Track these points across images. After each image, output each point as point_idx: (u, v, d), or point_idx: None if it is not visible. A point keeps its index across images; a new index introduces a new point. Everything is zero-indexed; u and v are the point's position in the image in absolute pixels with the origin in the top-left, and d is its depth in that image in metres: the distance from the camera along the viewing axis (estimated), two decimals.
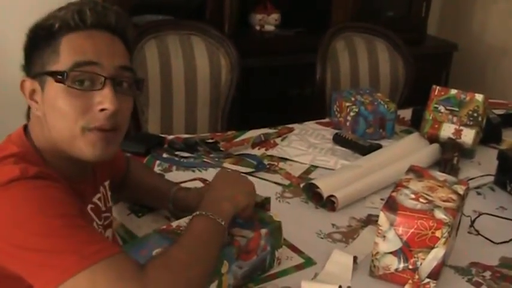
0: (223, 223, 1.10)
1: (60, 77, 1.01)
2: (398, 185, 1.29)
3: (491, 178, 1.74)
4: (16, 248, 0.93)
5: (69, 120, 1.02)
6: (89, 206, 1.15)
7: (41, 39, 1.04)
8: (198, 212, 1.11)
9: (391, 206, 1.21)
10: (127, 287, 0.92)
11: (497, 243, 1.43)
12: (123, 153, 1.47)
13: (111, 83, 1.03)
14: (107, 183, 1.28)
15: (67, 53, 1.02)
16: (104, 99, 1.02)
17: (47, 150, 1.07)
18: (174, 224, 1.18)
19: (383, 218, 1.20)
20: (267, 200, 1.29)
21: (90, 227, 1.03)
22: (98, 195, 1.21)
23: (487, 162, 1.84)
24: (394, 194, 1.25)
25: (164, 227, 1.17)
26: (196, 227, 1.09)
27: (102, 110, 1.02)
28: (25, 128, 1.10)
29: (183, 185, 1.48)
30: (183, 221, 1.19)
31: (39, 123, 1.06)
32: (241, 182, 1.25)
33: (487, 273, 1.31)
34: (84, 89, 1.02)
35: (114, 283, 0.92)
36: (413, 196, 1.24)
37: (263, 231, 1.20)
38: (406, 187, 1.27)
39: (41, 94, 1.05)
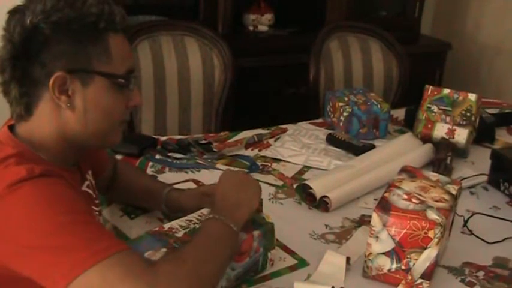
0: (235, 228, 1.11)
1: (121, 80, 1.07)
2: (391, 186, 1.29)
3: (485, 177, 1.74)
4: (27, 249, 0.93)
5: (113, 115, 1.09)
6: None
7: (80, 35, 1.02)
8: (211, 215, 1.12)
9: (384, 206, 1.21)
10: (137, 282, 0.92)
11: (491, 243, 1.43)
12: (105, 151, 1.46)
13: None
14: (90, 172, 1.27)
15: (119, 57, 1.07)
16: (136, 97, 1.13)
17: (49, 146, 1.06)
18: (167, 226, 1.18)
19: (376, 219, 1.20)
20: (259, 202, 1.28)
21: (97, 222, 1.04)
22: (86, 182, 1.21)
23: (480, 161, 1.84)
24: (386, 194, 1.25)
25: (156, 228, 1.17)
26: (209, 229, 1.10)
27: (134, 105, 1.13)
28: (10, 128, 1.09)
29: (176, 186, 1.48)
30: (176, 223, 1.18)
31: (56, 117, 1.05)
32: (250, 183, 1.25)
33: (481, 273, 1.31)
34: (129, 90, 1.10)
35: (124, 278, 0.92)
36: (405, 196, 1.24)
37: (255, 232, 1.19)
38: (399, 187, 1.27)
39: (81, 89, 1.03)
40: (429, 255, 1.18)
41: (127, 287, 0.92)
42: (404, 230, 1.18)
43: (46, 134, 1.06)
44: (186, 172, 1.70)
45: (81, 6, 1.02)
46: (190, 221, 1.21)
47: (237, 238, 1.13)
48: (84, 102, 1.05)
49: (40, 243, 0.93)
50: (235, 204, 1.17)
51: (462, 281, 1.28)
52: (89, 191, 1.21)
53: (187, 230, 1.17)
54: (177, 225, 1.17)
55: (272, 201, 1.57)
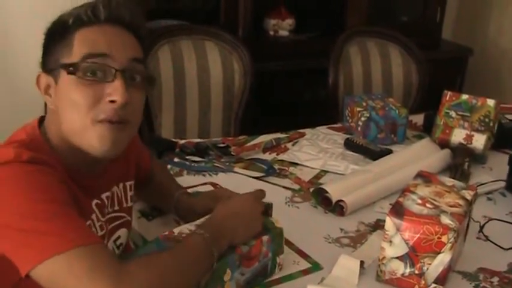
0: (215, 253, 1.08)
1: (72, 68, 1.03)
2: (405, 190, 1.29)
3: (503, 183, 1.73)
4: (1, 227, 0.95)
5: (80, 111, 1.03)
6: (94, 201, 1.15)
7: (56, 35, 1.07)
8: (199, 231, 1.10)
9: (398, 211, 1.21)
10: (102, 277, 0.92)
11: (507, 249, 1.42)
12: (149, 152, 1.48)
13: (122, 75, 1.04)
14: (128, 184, 1.29)
15: (80, 45, 1.05)
16: (114, 91, 1.03)
17: (57, 144, 1.09)
18: (176, 230, 1.16)
19: (389, 223, 1.21)
20: (269, 206, 1.28)
21: (75, 215, 1.00)
22: (107, 193, 1.20)
23: (498, 167, 1.83)
24: (401, 199, 1.25)
25: (166, 233, 1.15)
26: (192, 243, 1.07)
27: (112, 101, 1.03)
28: (41, 118, 1.13)
29: (193, 189, 1.49)
30: (185, 227, 1.17)
31: (53, 118, 1.09)
32: (252, 219, 1.20)
33: (495, 279, 1.30)
34: (95, 79, 1.04)
35: (90, 270, 0.93)
36: (420, 201, 1.24)
37: (265, 238, 1.20)
38: (413, 192, 1.28)
39: (54, 88, 1.08)
40: (442, 260, 1.18)
41: (91, 279, 0.92)
42: (418, 235, 1.18)
43: (54, 132, 1.09)
44: (204, 175, 1.72)
45: (68, 10, 1.08)
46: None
47: (212, 263, 1.08)
48: (57, 99, 1.07)
49: (13, 224, 0.94)
50: (222, 230, 1.13)
51: (476, 286, 1.28)
52: (106, 201, 1.19)
53: None
54: (187, 230, 1.15)
55: (288, 205, 1.58)
